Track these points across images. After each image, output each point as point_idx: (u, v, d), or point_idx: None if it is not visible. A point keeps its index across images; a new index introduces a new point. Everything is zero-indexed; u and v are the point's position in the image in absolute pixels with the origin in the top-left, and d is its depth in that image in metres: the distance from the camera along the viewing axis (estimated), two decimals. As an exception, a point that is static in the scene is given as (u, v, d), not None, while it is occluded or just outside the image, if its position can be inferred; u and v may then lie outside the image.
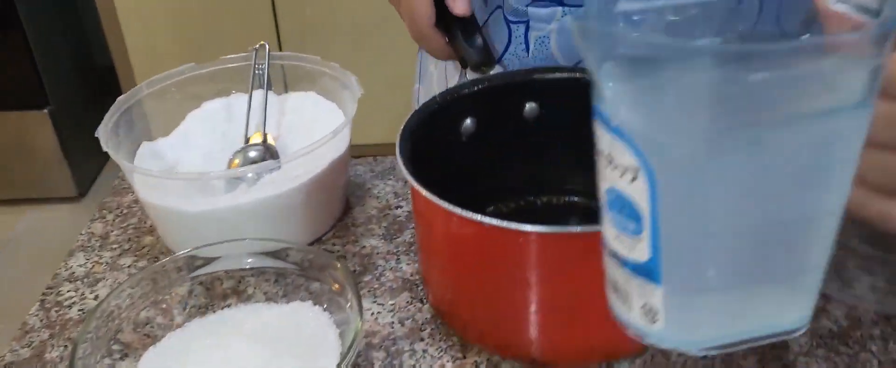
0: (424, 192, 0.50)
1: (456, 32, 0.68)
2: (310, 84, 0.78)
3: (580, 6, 0.70)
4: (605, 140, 0.34)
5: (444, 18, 0.68)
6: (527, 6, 0.72)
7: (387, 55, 1.84)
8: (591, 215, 0.66)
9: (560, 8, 0.71)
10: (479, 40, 0.68)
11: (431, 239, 0.57)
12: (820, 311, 0.59)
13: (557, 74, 0.64)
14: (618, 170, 0.33)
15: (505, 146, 0.66)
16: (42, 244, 2.03)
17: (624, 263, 0.35)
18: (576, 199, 0.70)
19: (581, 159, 0.64)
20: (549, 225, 0.47)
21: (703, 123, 0.31)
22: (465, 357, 0.58)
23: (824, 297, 0.61)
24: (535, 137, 0.65)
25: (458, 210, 0.48)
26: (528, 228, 0.47)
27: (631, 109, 0.32)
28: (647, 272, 0.34)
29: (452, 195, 0.51)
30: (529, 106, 0.65)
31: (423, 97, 0.86)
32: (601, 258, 0.38)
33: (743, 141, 0.31)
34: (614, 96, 0.32)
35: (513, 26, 0.73)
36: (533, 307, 0.53)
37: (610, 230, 0.36)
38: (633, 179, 0.32)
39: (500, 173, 0.67)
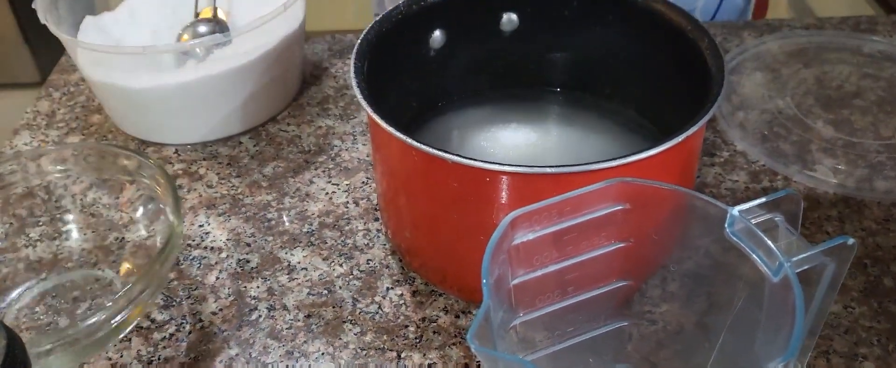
0: (386, 126, 0.43)
1: None
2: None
3: None
4: None
5: None
6: None
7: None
8: (563, 139, 0.59)
9: None
10: None
11: (392, 174, 0.50)
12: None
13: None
14: None
15: (478, 62, 0.58)
16: (2, 128, 1.99)
17: None
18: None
19: (563, 78, 0.58)
20: (520, 164, 0.41)
21: None
22: (419, 237, 0.57)
23: (786, 179, 0.60)
24: (512, 52, 0.58)
25: (426, 148, 0.42)
26: (494, 166, 0.41)
27: None
28: None
29: (416, 116, 0.44)
30: (507, 17, 0.57)
31: None
32: None
33: None
34: None
35: None
36: None
37: None
38: None
39: (472, 89, 0.60)
